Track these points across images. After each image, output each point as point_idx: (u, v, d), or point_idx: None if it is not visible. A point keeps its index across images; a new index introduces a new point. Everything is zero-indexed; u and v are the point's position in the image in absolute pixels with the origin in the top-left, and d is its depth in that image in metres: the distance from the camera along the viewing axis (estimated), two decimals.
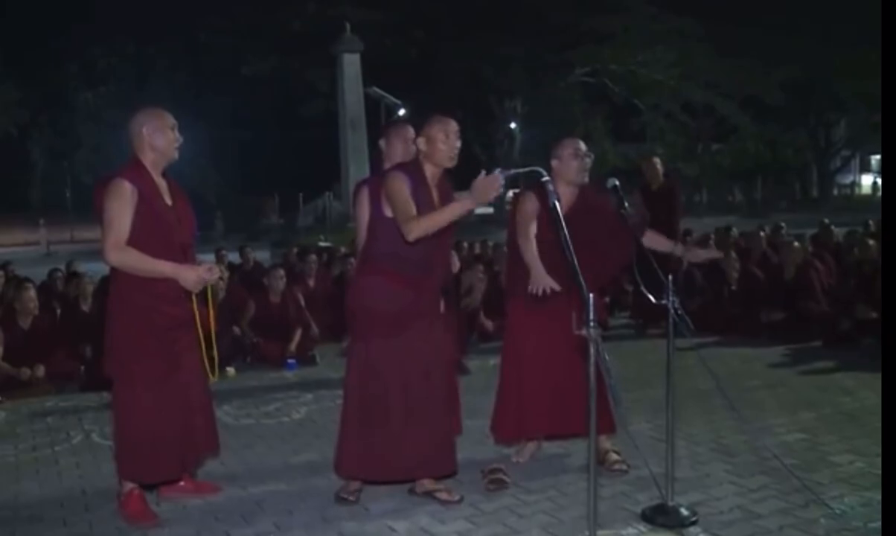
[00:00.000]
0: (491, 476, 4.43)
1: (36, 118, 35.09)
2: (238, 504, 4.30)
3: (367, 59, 22.82)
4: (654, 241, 4.72)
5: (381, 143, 4.75)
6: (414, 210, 3.91)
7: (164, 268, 3.98)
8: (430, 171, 4.11)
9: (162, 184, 4.13)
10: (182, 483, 4.40)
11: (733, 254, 9.13)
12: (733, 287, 8.89)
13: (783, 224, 11.85)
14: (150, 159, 4.09)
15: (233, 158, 36.40)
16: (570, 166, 4.57)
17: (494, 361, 5.81)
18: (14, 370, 7.00)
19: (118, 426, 4.16)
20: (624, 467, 4.56)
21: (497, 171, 3.66)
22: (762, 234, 10.70)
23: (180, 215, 4.17)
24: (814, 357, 7.32)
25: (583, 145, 4.64)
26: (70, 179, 35.23)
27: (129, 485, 4.16)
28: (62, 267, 10.50)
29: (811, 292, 8.15)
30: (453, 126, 4.09)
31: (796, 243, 8.91)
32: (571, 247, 3.32)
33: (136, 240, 3.95)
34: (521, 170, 3.82)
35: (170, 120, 4.14)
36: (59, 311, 8.46)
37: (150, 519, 4.11)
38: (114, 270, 4.07)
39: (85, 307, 8.02)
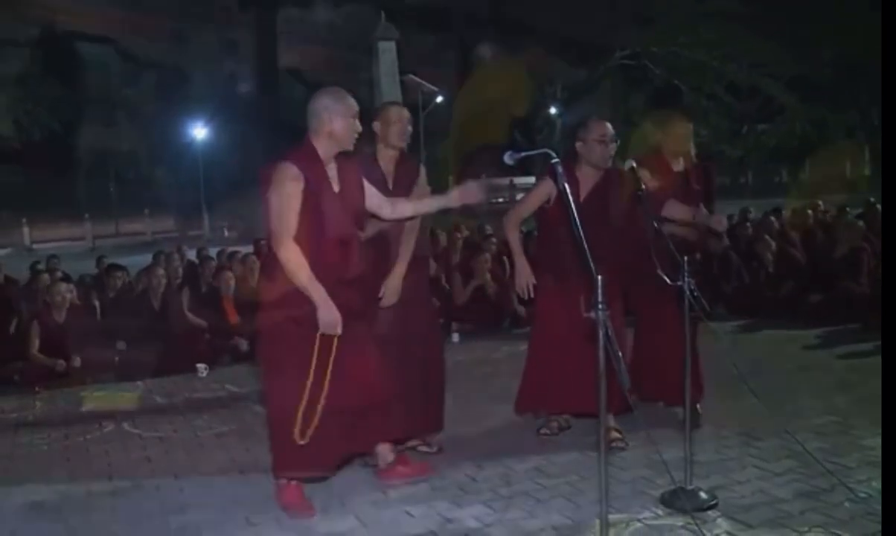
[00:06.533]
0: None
1: (79, 114, 35.71)
2: (258, 490, 4.32)
3: (404, 48, 22.86)
4: (673, 210, 4.69)
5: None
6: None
7: (314, 293, 3.82)
8: (387, 153, 4.47)
9: (332, 169, 3.97)
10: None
11: (767, 237, 8.98)
12: (770, 269, 8.74)
13: (819, 203, 11.63)
14: (323, 145, 3.93)
15: (276, 149, 36.76)
16: (595, 151, 4.55)
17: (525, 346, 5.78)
18: (50, 361, 7.15)
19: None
20: (622, 444, 4.57)
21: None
22: (809, 212, 10.53)
23: (347, 204, 3.98)
24: (853, 339, 7.14)
25: (610, 130, 4.58)
26: (114, 174, 35.83)
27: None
28: (106, 260, 10.65)
29: (858, 273, 7.99)
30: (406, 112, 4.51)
31: (861, 223, 8.74)
32: (581, 229, 3.28)
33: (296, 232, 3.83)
34: (531, 152, 3.78)
35: (354, 107, 3.96)
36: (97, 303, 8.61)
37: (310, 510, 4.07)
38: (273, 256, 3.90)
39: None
